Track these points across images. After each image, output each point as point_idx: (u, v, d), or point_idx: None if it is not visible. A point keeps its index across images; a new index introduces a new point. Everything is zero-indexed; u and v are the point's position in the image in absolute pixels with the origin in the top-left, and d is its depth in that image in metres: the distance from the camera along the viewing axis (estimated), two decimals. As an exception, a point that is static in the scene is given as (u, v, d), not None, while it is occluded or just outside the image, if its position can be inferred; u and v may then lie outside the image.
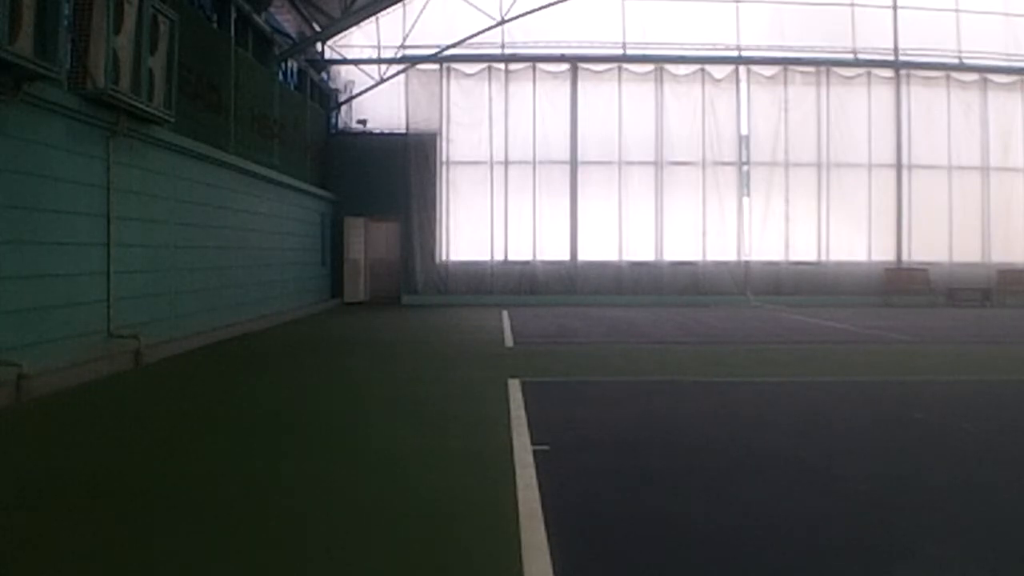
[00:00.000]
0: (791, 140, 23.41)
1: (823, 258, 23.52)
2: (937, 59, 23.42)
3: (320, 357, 12.05)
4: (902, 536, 4.23)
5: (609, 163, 23.24)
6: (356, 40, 22.63)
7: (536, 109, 23.21)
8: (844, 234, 23.60)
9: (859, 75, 23.55)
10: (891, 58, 23.41)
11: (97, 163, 9.62)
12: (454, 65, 23.07)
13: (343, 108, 23.36)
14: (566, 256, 23.28)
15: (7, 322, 7.85)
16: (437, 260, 23.19)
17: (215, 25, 14.70)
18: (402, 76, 22.91)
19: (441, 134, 23.14)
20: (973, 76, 23.59)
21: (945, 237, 23.59)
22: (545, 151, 23.22)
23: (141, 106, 9.88)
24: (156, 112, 10.34)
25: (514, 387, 8.60)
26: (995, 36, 23.48)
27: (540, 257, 23.24)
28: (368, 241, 23.81)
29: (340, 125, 23.41)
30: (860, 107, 23.52)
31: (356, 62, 22.74)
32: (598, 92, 23.27)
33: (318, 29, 20.82)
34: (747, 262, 23.37)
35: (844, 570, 3.79)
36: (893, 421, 7.21)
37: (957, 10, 23.31)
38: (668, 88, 23.29)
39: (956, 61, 23.54)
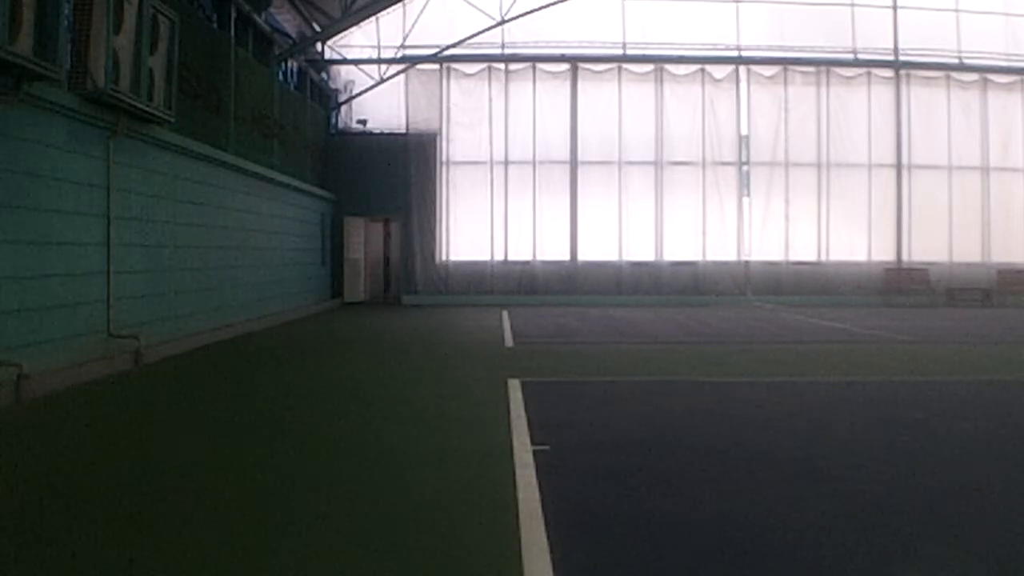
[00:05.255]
0: (791, 140, 23.42)
1: (823, 258, 23.53)
2: (937, 59, 23.42)
3: (320, 357, 12.05)
4: (902, 536, 4.23)
5: (609, 163, 23.25)
6: (356, 40, 22.62)
7: (536, 109, 23.21)
8: (844, 234, 23.61)
9: (859, 75, 23.56)
10: (891, 58, 23.41)
11: (97, 163, 9.62)
12: (454, 65, 23.07)
13: (343, 108, 23.36)
14: (566, 256, 23.28)
15: (7, 322, 7.85)
16: (437, 260, 23.19)
17: (215, 25, 14.70)
18: (402, 76, 22.91)
19: (441, 134, 23.14)
20: (973, 76, 23.59)
21: (945, 237, 23.60)
22: (545, 151, 23.22)
23: (141, 106, 9.88)
24: (156, 112, 10.34)
25: (514, 387, 8.60)
26: (995, 36, 23.48)
27: (540, 257, 23.24)
28: (368, 241, 23.85)
29: (340, 125, 23.41)
30: (860, 107, 23.53)
31: (356, 62, 22.73)
32: (598, 92, 23.28)
33: (318, 29, 20.81)
34: (747, 262, 23.38)
35: (844, 570, 3.79)
36: (893, 421, 7.20)
37: (957, 10, 23.31)
38: (668, 88, 23.29)
39: (956, 61, 23.54)
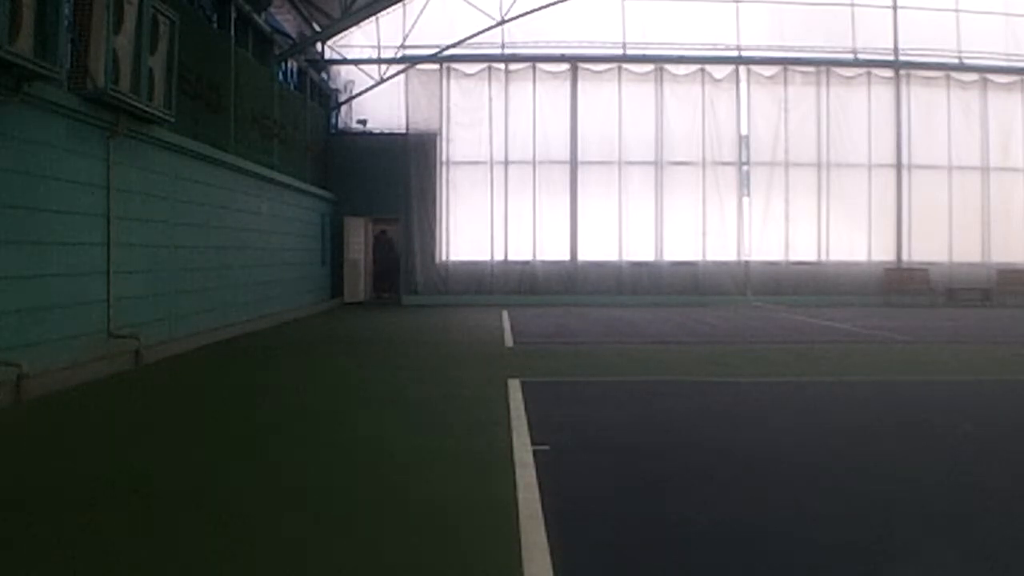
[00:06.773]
0: (791, 140, 23.40)
1: (823, 258, 23.51)
2: (937, 59, 23.40)
3: (319, 357, 12.05)
4: (901, 537, 4.23)
5: (609, 163, 23.23)
6: (356, 40, 22.61)
7: (536, 109, 23.19)
8: (844, 234, 23.59)
9: (859, 75, 23.54)
10: (891, 58, 23.40)
11: (97, 163, 9.62)
12: (454, 65, 23.07)
13: (343, 108, 23.36)
14: (566, 256, 23.27)
15: (7, 322, 7.85)
16: (437, 260, 23.18)
17: (215, 25, 14.70)
18: (402, 76, 22.90)
19: (441, 134, 23.12)
20: (973, 76, 23.57)
21: (945, 237, 23.58)
22: (545, 151, 23.20)
23: (141, 106, 9.88)
24: (156, 112, 10.34)
25: (514, 387, 8.60)
26: (995, 36, 23.46)
27: (540, 257, 23.23)
28: (367, 241, 23.83)
29: (340, 125, 23.41)
30: (860, 107, 23.51)
31: (356, 62, 22.73)
32: (598, 92, 23.26)
33: (318, 29, 20.81)
34: (747, 262, 23.37)
35: (844, 571, 3.79)
36: (893, 422, 7.20)
37: (957, 10, 23.29)
38: (668, 88, 23.28)
39: (956, 61, 23.52)
